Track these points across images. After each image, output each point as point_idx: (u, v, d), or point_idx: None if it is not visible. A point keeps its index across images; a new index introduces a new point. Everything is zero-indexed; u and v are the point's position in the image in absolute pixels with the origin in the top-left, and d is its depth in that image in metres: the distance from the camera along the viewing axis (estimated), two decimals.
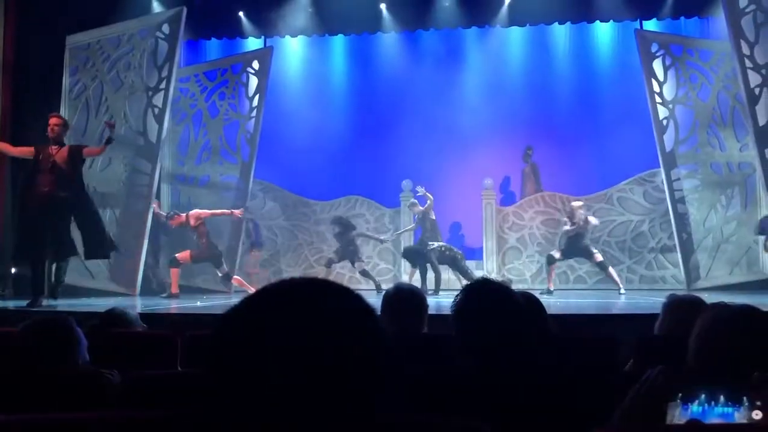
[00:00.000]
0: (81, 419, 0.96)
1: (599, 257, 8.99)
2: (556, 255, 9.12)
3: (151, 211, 9.28)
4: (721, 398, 1.37)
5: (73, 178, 6.82)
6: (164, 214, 9.30)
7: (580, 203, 9.14)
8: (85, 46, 9.59)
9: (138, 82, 9.60)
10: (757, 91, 8.70)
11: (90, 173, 9.49)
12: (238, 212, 9.12)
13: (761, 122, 8.67)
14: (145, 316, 3.53)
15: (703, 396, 1.38)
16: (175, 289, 8.83)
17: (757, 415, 1.36)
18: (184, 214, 9.08)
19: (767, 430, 1.34)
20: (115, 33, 9.63)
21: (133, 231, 9.38)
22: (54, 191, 6.63)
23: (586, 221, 8.91)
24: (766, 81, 8.69)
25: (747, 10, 8.79)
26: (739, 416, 1.37)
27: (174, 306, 7.42)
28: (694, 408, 1.38)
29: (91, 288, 9.00)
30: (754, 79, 8.70)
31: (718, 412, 1.37)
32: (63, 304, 6.71)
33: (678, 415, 1.39)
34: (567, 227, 9.00)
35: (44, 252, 6.80)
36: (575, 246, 8.98)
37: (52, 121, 6.88)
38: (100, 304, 5.73)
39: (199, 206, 9.86)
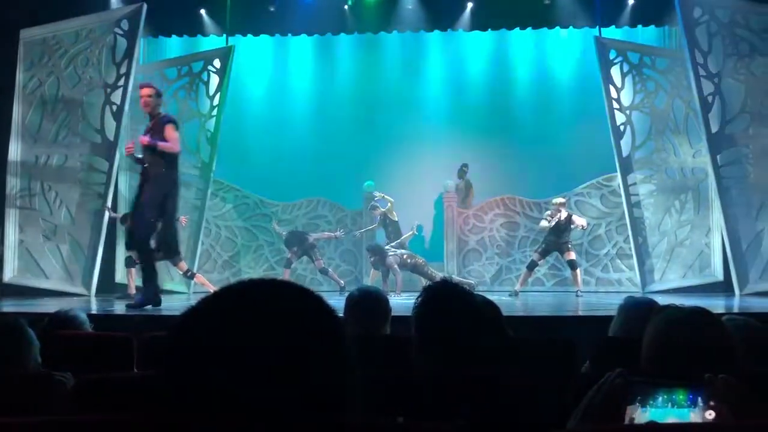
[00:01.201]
0: (31, 423, 0.93)
1: (573, 255, 9.14)
2: (537, 259, 9.24)
3: (106, 213, 9.10)
4: (678, 399, 1.40)
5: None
6: (118, 216, 9.12)
7: (562, 200, 9.23)
8: (41, 40, 9.37)
9: (96, 78, 9.41)
10: (710, 99, 8.94)
11: (45, 170, 9.30)
12: (183, 218, 8.96)
13: (714, 129, 8.92)
14: (101, 317, 3.47)
15: (660, 398, 1.41)
16: (131, 290, 8.68)
17: (710, 414, 1.39)
18: None
19: (722, 430, 1.37)
20: (72, 28, 9.43)
21: (89, 230, 9.19)
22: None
23: (569, 219, 9.02)
24: (719, 89, 8.94)
25: (701, 20, 9.03)
26: (694, 416, 1.40)
27: None
28: (652, 410, 1.41)
29: (45, 289, 8.80)
30: (707, 87, 8.95)
31: (675, 413, 1.40)
32: (11, 304, 6.54)
33: (637, 417, 1.42)
34: (544, 223, 9.11)
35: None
36: (554, 242, 9.09)
37: (144, 91, 6.33)
38: (55, 305, 5.59)
39: None
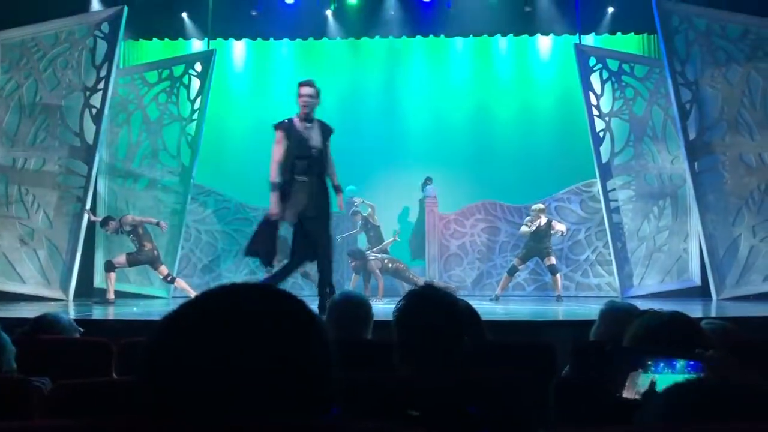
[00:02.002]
0: (4, 429, 0.92)
1: (553, 260, 9.20)
2: (518, 264, 9.30)
3: (85, 216, 9.01)
4: (678, 366, 1.47)
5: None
6: (98, 220, 9.03)
7: (541, 206, 9.32)
8: (19, 42, 9.27)
9: (75, 81, 9.32)
10: (688, 106, 9.07)
11: (23, 173, 9.19)
12: (164, 224, 8.89)
13: (692, 137, 9.04)
14: (78, 323, 3.42)
15: (660, 365, 1.48)
16: (110, 295, 8.60)
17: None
18: (117, 219, 8.84)
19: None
20: (52, 30, 9.34)
21: (68, 234, 9.10)
22: None
23: (549, 225, 9.11)
24: (696, 97, 9.07)
25: (679, 28, 9.16)
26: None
27: (110, 312, 7.22)
28: (658, 376, 1.48)
29: (22, 293, 8.69)
30: (686, 95, 9.07)
31: (677, 378, 1.46)
32: None
33: (640, 381, 1.48)
34: (524, 229, 9.18)
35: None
36: (534, 248, 9.17)
37: (307, 90, 5.79)
38: (32, 311, 5.52)
39: (137, 209, 9.65)
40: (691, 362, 1.47)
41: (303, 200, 5.76)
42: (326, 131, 5.85)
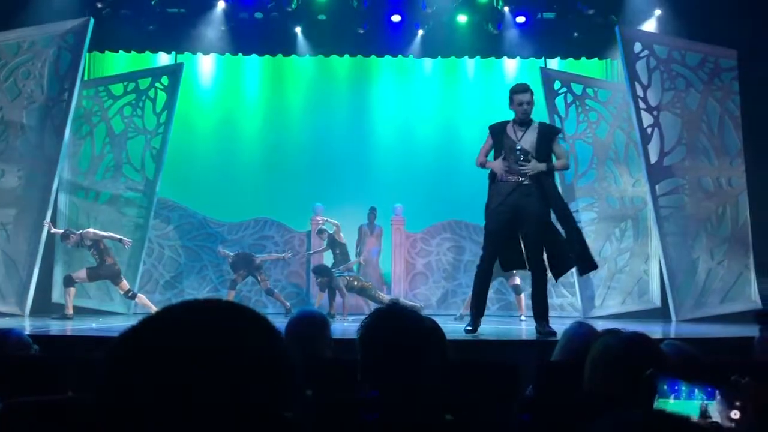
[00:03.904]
0: None
1: (517, 281, 9.20)
2: None
3: (45, 228, 8.81)
4: (697, 392, 1.48)
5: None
6: (59, 232, 8.84)
7: None
8: None
9: (38, 92, 9.16)
10: (649, 130, 9.28)
11: None
12: (127, 241, 8.74)
13: (653, 160, 9.24)
14: (34, 339, 3.33)
15: (682, 389, 1.49)
16: (69, 310, 8.40)
17: (735, 414, 1.46)
18: (78, 233, 8.67)
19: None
20: (14, 39, 9.17)
21: (25, 247, 8.88)
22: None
23: None
24: (657, 122, 9.29)
25: (641, 54, 9.40)
26: (711, 408, 1.48)
27: (68, 328, 7.04)
28: (671, 402, 1.49)
29: None
30: (647, 119, 9.29)
31: (695, 405, 1.48)
32: None
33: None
34: None
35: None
36: (499, 268, 9.16)
37: (526, 97, 5.76)
38: None
39: (98, 223, 9.48)
40: (709, 389, 1.49)
41: None
42: None
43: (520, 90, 5.90)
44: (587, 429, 0.96)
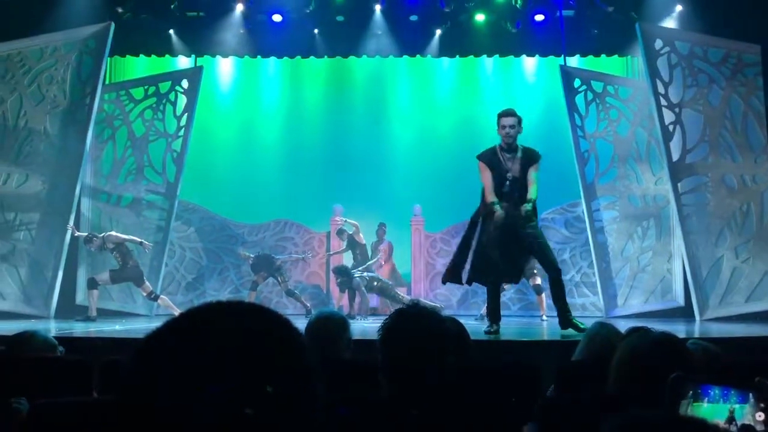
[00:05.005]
0: None
1: (538, 280, 9.17)
2: (504, 284, 9.26)
3: (69, 232, 8.93)
4: (731, 394, 1.47)
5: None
6: (82, 235, 8.95)
7: None
8: (4, 57, 9.22)
9: (60, 96, 9.28)
10: (671, 128, 9.17)
11: (5, 189, 9.10)
12: (147, 244, 8.83)
13: (675, 158, 9.14)
14: (59, 340, 3.37)
15: (712, 393, 1.48)
16: (92, 312, 8.50)
17: (760, 416, 1.45)
18: (101, 236, 8.77)
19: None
20: (37, 45, 9.30)
21: (50, 250, 9.00)
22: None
23: None
24: (679, 119, 9.18)
25: (662, 51, 9.30)
26: (742, 412, 1.48)
27: (91, 330, 7.12)
28: (704, 406, 1.48)
29: (1, 311, 8.56)
30: (669, 116, 9.18)
31: (727, 409, 1.47)
32: None
33: (690, 412, 1.48)
34: None
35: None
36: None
37: (508, 120, 5.92)
38: (11, 328, 5.44)
39: (120, 226, 9.58)
40: (741, 391, 1.48)
41: None
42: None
43: (504, 114, 6.08)
44: (601, 426, 0.95)
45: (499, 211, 5.88)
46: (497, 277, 6.22)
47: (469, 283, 6.52)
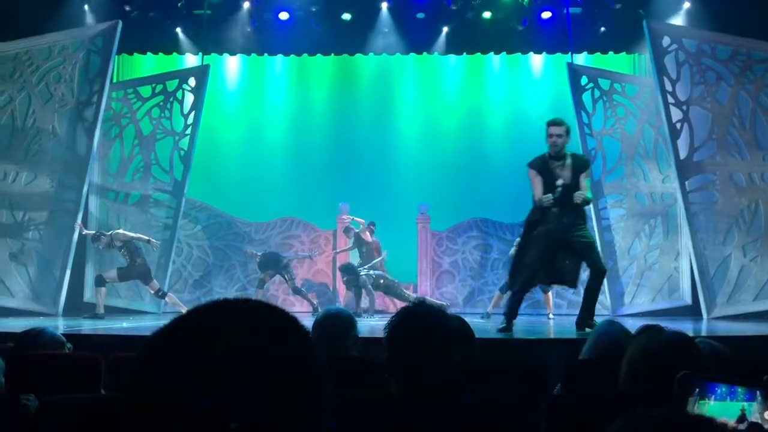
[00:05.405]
0: None
1: None
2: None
3: (77, 230, 8.96)
4: (738, 392, 1.46)
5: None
6: (90, 233, 8.99)
7: None
8: (12, 56, 9.26)
9: (68, 95, 9.32)
10: (678, 125, 9.13)
11: (14, 187, 9.15)
12: (155, 242, 8.86)
13: (682, 156, 9.10)
14: (67, 338, 3.39)
15: (719, 391, 1.48)
16: (100, 309, 8.54)
17: None
18: (109, 234, 8.80)
19: None
20: (45, 44, 9.34)
21: (58, 248, 9.04)
22: None
23: None
24: (687, 116, 9.14)
25: (669, 48, 9.25)
26: (750, 410, 1.48)
27: (99, 327, 7.16)
28: (711, 404, 1.47)
29: (10, 308, 8.61)
30: (676, 114, 9.14)
31: (737, 407, 1.46)
32: None
33: (696, 410, 1.48)
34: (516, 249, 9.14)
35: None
36: None
37: (555, 130, 5.97)
38: (20, 325, 5.47)
39: (128, 224, 9.61)
40: (749, 390, 1.47)
41: None
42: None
43: (552, 123, 6.11)
44: (608, 426, 0.95)
45: (549, 199, 5.90)
46: (527, 277, 6.26)
47: (510, 288, 6.72)
